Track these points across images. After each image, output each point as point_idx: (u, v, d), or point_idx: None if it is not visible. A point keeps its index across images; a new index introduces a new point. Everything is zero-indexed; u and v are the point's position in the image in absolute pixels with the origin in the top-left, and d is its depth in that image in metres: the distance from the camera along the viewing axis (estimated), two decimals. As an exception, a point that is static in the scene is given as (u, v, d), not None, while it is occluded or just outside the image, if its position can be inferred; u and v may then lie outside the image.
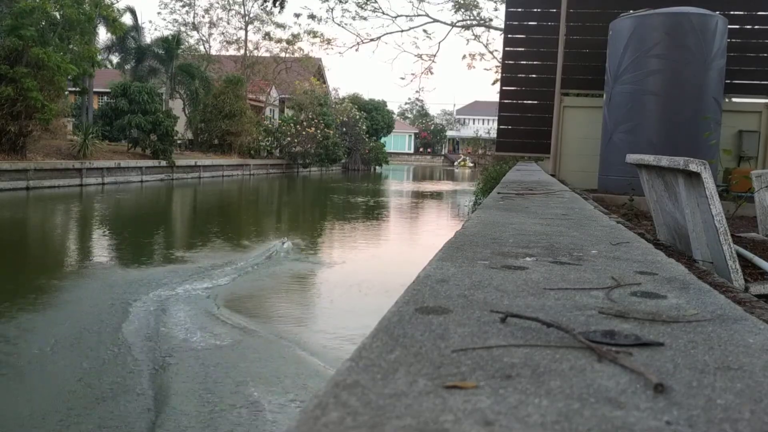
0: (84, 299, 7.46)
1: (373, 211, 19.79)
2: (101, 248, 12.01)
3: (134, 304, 7.09)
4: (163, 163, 26.19)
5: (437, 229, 15.52)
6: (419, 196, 27.27)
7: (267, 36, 40.47)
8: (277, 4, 13.97)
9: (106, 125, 26.53)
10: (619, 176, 7.10)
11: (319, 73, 46.40)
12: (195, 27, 40.59)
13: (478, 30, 25.34)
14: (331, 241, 13.97)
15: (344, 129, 43.83)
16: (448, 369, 0.84)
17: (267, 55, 40.95)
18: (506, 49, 9.61)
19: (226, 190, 26.29)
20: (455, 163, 67.78)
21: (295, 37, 39.14)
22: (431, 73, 58.18)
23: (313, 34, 31.90)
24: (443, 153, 77.97)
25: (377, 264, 10.95)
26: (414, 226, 17.79)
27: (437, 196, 27.84)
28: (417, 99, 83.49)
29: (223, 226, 15.56)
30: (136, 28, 32.67)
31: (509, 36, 9.62)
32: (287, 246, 11.23)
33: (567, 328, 1.02)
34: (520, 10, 9.53)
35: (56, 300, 7.47)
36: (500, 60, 11.77)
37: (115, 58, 35.03)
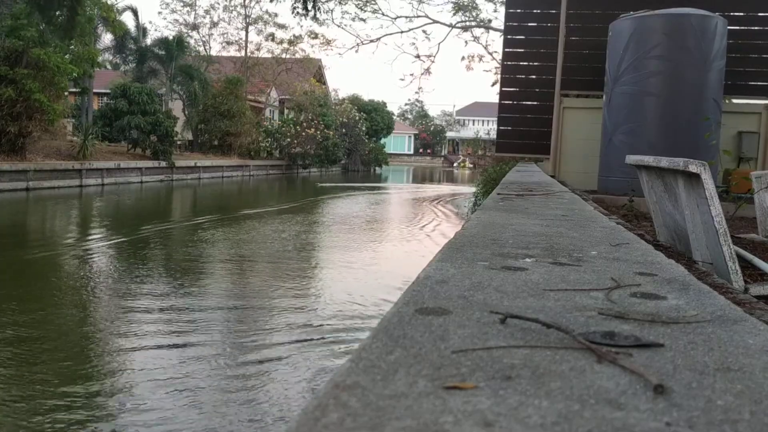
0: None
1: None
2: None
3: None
4: (163, 163, 26.16)
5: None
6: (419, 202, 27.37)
7: (270, 37, 40.49)
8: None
9: (105, 126, 26.49)
10: (619, 177, 7.11)
11: (319, 74, 46.40)
12: (195, 27, 40.62)
13: (478, 31, 25.36)
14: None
15: (344, 130, 43.79)
16: (448, 370, 0.84)
17: (268, 56, 40.96)
18: (506, 50, 9.62)
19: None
20: (454, 165, 67.71)
21: (297, 39, 39.19)
22: (430, 73, 58.17)
23: (314, 35, 31.92)
24: (443, 154, 77.90)
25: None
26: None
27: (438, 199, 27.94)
28: (417, 100, 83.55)
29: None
30: (138, 28, 32.69)
31: (509, 37, 9.63)
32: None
33: (567, 329, 1.02)
34: (519, 11, 9.53)
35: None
36: (500, 61, 11.78)
37: (116, 59, 35.01)
